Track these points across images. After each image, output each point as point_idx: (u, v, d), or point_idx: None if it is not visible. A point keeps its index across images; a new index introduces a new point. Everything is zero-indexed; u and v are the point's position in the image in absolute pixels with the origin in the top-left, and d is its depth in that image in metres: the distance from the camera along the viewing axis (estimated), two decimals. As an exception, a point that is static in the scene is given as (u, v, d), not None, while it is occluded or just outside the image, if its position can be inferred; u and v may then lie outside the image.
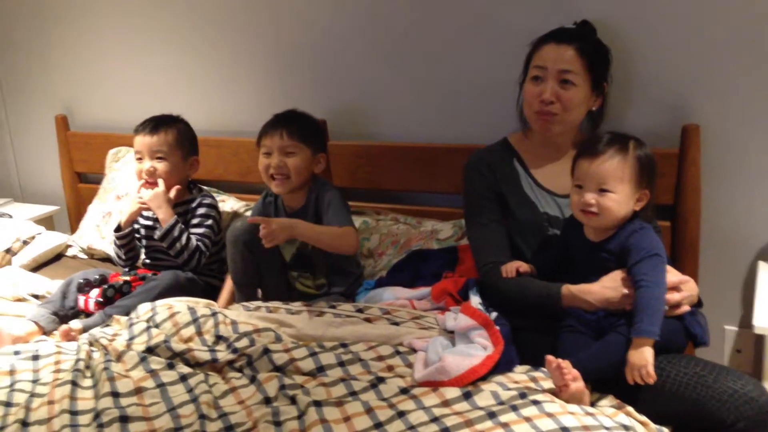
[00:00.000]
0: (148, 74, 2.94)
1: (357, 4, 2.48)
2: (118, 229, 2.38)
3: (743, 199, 2.11)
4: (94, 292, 2.21)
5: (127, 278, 2.27)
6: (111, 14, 2.93)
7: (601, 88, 1.91)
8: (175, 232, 2.26)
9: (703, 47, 2.07)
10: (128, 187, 2.74)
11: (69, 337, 2.03)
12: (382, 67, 2.50)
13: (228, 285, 2.27)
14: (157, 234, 2.28)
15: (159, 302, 2.00)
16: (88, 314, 2.20)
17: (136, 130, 2.38)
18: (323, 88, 2.61)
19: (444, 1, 2.35)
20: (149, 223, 2.40)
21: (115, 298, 2.20)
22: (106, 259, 2.75)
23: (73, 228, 3.11)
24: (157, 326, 1.89)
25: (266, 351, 1.72)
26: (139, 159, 2.37)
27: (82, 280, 2.25)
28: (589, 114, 1.94)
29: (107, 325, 2.03)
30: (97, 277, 2.28)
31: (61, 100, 3.15)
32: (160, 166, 2.33)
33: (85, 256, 2.84)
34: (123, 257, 2.41)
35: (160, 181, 2.32)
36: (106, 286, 2.21)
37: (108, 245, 2.69)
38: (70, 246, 2.87)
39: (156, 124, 2.36)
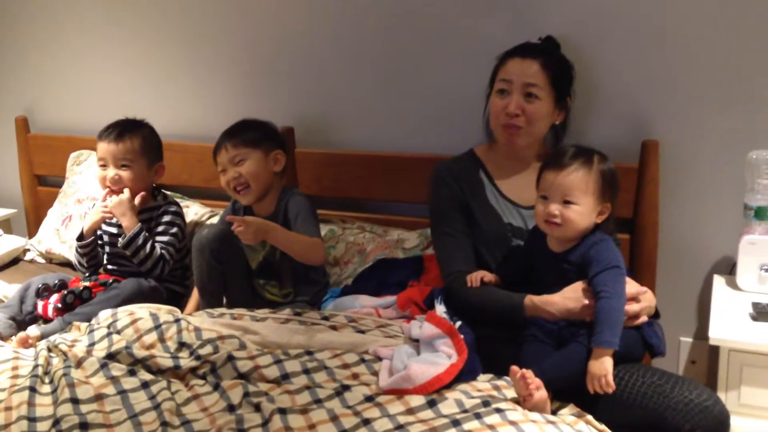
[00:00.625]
0: (111, 77, 2.90)
1: (326, 12, 2.49)
2: (80, 237, 2.34)
3: (700, 214, 2.18)
4: (53, 298, 2.17)
5: (88, 284, 2.24)
6: (74, 16, 2.89)
7: (565, 102, 1.96)
8: (139, 240, 2.23)
9: (664, 65, 2.13)
10: (90, 191, 2.70)
11: (26, 344, 1.99)
12: (349, 76, 2.52)
13: (195, 293, 2.24)
14: (121, 242, 2.25)
15: (120, 308, 1.97)
16: (46, 320, 2.15)
17: (100, 135, 2.33)
18: (291, 95, 2.61)
19: (413, 14, 2.38)
20: (113, 230, 2.36)
21: (75, 304, 2.16)
22: (66, 263, 2.70)
23: (31, 232, 3.04)
24: (118, 332, 1.87)
25: (230, 358, 1.70)
26: (103, 166, 2.32)
27: (41, 285, 2.20)
28: (552, 127, 1.98)
29: (66, 332, 2.00)
30: (57, 282, 2.24)
31: (21, 102, 3.09)
32: (125, 174, 2.30)
33: (44, 261, 2.78)
34: (85, 265, 2.37)
35: (126, 189, 2.29)
36: (65, 292, 2.16)
37: (68, 250, 2.64)
38: (27, 250, 2.82)
39: (121, 130, 2.31)
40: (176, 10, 2.72)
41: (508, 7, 2.25)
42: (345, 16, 2.47)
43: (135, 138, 2.31)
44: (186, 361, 1.74)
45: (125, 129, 2.32)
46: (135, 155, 2.30)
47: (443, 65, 2.38)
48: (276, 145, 2.24)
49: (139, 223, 2.26)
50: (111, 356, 1.76)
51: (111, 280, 2.26)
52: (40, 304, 2.17)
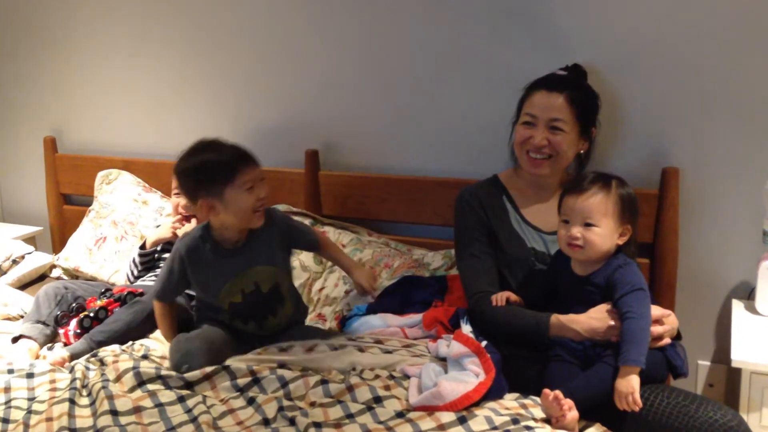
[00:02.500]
0: (138, 98, 2.97)
1: (351, 37, 2.56)
2: (143, 246, 2.50)
3: (718, 240, 2.22)
4: (72, 324, 2.18)
5: (102, 303, 2.25)
6: (102, 39, 2.97)
7: (589, 132, 2.01)
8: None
9: (685, 95, 2.18)
10: (125, 215, 2.79)
11: (62, 365, 2.01)
12: (374, 101, 2.58)
13: (167, 318, 2.14)
14: None
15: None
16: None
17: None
18: (317, 119, 2.67)
19: (438, 40, 2.44)
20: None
21: (93, 325, 2.17)
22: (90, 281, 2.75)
23: (55, 249, 3.10)
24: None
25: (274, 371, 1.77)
26: (177, 194, 2.49)
27: (59, 313, 2.23)
28: (576, 156, 2.03)
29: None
30: (74, 305, 2.26)
31: (50, 122, 3.16)
32: None
33: (67, 278, 2.83)
34: (135, 274, 2.51)
35: (194, 220, 2.46)
36: (82, 316, 2.18)
37: (98, 269, 2.72)
38: (54, 267, 2.87)
39: None
40: (206, 36, 2.79)
41: (531, 36, 2.31)
42: (371, 45, 2.54)
43: None
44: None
45: None
46: None
47: (466, 92, 2.44)
48: None
49: None
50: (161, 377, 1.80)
51: (126, 293, 2.29)
52: (61, 332, 2.20)
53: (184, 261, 2.04)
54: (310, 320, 2.27)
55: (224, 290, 2.00)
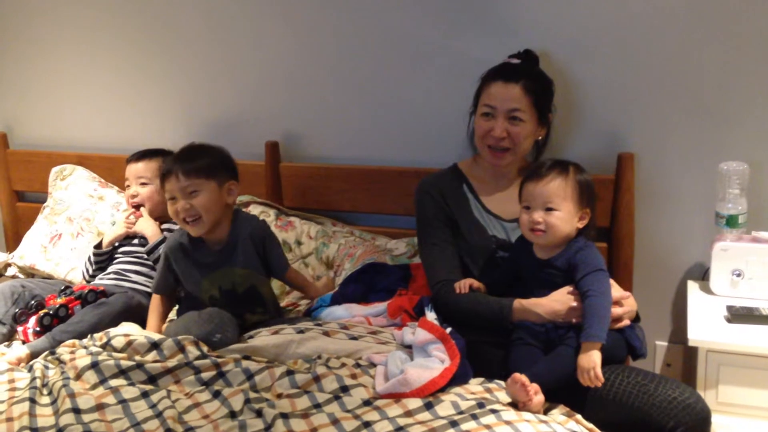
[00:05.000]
0: (92, 92, 2.91)
1: (311, 30, 2.55)
2: (98, 245, 2.45)
3: (673, 222, 2.27)
4: (31, 322, 2.13)
5: (62, 300, 2.21)
6: (54, 30, 2.90)
7: (546, 118, 2.04)
8: (161, 250, 2.32)
9: (640, 80, 2.22)
10: (81, 211, 2.73)
11: (18, 365, 1.97)
12: (334, 92, 2.57)
13: (155, 308, 2.21)
14: (146, 248, 2.38)
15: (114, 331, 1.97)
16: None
17: (127, 160, 2.50)
18: (277, 110, 2.65)
19: (397, 31, 2.45)
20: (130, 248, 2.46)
21: (53, 323, 2.13)
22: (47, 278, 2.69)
23: (9, 248, 3.02)
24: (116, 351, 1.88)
25: (238, 362, 1.76)
26: (128, 186, 2.48)
27: (18, 311, 2.19)
28: (534, 143, 2.06)
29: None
30: (33, 303, 2.23)
31: (0, 118, 3.08)
32: (143, 190, 2.45)
33: (23, 276, 2.77)
34: (90, 273, 2.46)
35: (144, 210, 2.44)
36: (41, 314, 2.13)
37: (54, 267, 2.66)
38: (9, 265, 2.80)
39: (144, 153, 2.49)
40: (162, 27, 2.75)
41: (486, 25, 2.33)
42: (330, 35, 2.53)
43: (154, 159, 2.46)
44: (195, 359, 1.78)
45: (148, 152, 2.50)
46: (153, 174, 2.44)
47: (425, 81, 2.45)
48: (230, 175, 2.13)
49: (163, 234, 2.38)
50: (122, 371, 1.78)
51: (87, 291, 2.23)
52: (20, 329, 2.15)
53: (168, 256, 2.16)
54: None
55: (204, 284, 2.08)
